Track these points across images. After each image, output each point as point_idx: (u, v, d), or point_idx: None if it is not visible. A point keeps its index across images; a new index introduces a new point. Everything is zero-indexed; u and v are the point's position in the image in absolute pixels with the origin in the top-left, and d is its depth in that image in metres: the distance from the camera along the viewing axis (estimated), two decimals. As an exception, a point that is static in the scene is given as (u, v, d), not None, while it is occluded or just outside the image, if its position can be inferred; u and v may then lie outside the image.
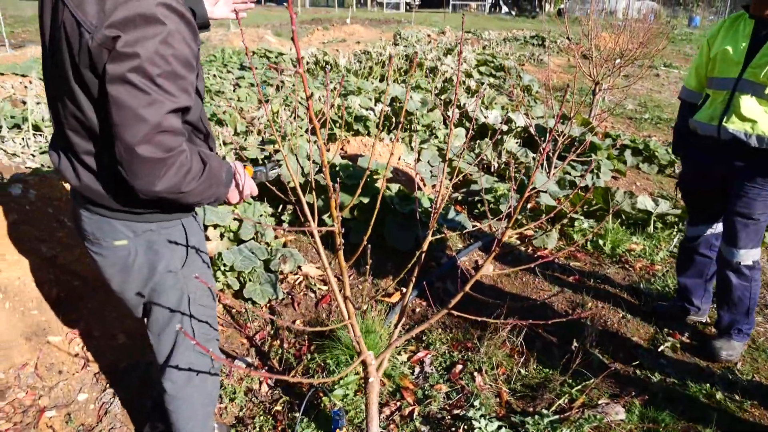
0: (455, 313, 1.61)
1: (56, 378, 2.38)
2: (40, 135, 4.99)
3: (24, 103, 5.92)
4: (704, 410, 2.42)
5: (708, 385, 2.57)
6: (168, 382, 1.73)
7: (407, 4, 38.25)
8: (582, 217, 4.13)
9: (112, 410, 2.29)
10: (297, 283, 3.24)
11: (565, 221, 4.12)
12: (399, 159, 4.65)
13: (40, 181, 2.92)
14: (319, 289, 3.20)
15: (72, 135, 1.35)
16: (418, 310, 3.10)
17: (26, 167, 4.47)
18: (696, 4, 39.81)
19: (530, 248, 3.87)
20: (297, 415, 2.25)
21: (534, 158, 5.05)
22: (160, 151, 1.23)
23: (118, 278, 1.56)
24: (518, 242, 3.96)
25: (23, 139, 4.85)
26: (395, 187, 3.71)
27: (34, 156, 4.59)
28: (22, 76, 6.85)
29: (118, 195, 1.40)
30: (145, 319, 1.71)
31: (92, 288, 2.67)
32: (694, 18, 31.81)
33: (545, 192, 4.24)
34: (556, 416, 2.25)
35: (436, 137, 5.27)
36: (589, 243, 3.91)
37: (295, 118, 5.46)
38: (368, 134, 5.18)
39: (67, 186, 2.93)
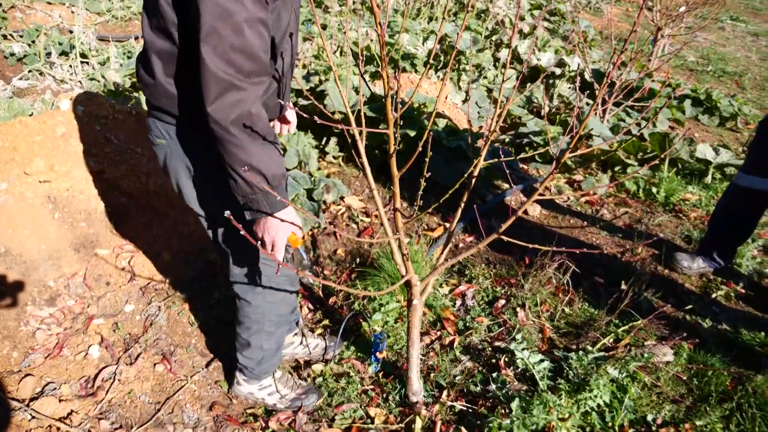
0: (504, 238, 1.53)
1: (104, 289, 2.44)
2: (87, 63, 5.03)
3: (71, 32, 5.96)
4: (757, 358, 2.32)
5: (763, 334, 2.45)
6: (233, 287, 1.80)
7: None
8: (635, 164, 3.95)
9: (157, 322, 2.34)
10: (339, 213, 3.21)
11: (617, 168, 3.95)
12: (446, 98, 4.51)
13: (88, 98, 2.92)
14: (361, 221, 3.17)
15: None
16: (461, 245, 3.04)
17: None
18: (770, -46, 36.92)
19: (579, 193, 3.73)
20: (336, 338, 2.25)
21: (587, 103, 4.83)
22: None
23: (171, 181, 1.61)
24: (567, 187, 3.82)
25: (71, 66, 4.90)
26: (443, 122, 3.60)
27: (81, 83, 4.64)
28: (70, 5, 6.87)
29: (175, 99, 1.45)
30: None
31: (138, 206, 2.70)
32: (766, -30, 29.56)
33: (598, 136, 4.06)
34: (601, 353, 2.19)
35: (485, 78, 5.09)
36: (641, 190, 3.74)
37: (341, 53, 5.33)
38: (415, 72, 5.03)
39: (113, 106, 2.93)
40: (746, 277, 2.92)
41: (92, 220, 2.50)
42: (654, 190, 3.71)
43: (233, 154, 1.32)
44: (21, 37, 5.31)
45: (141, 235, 2.65)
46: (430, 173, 1.44)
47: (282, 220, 1.44)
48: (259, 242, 1.46)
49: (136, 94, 3.64)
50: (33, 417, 1.86)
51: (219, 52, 1.22)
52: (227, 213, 1.12)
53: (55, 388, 1.99)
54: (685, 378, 2.19)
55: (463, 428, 1.93)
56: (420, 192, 1.55)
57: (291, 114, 1.92)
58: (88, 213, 2.48)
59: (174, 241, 2.71)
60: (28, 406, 1.89)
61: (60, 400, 1.95)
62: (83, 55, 5.00)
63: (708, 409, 2.05)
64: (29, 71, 4.58)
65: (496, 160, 1.62)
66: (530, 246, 1.58)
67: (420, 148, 1.42)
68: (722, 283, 2.85)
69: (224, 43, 1.21)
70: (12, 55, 4.80)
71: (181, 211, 2.79)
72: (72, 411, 1.92)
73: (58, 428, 1.85)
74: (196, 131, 1.44)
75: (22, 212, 2.27)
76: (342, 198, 3.26)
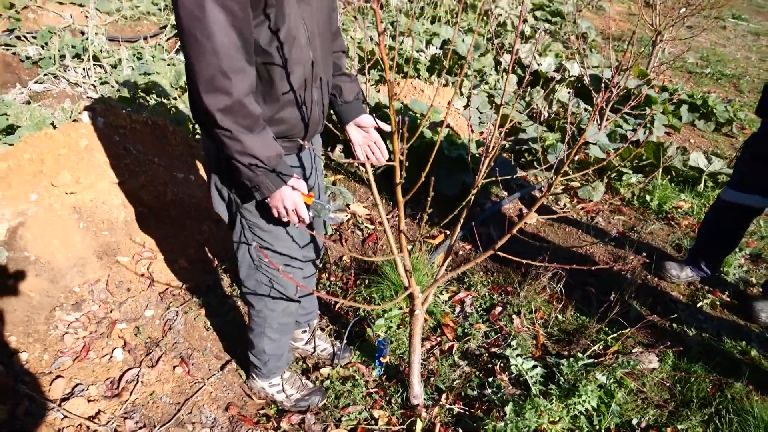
0: (500, 254, 1.69)
1: (125, 294, 2.59)
2: (99, 65, 5.15)
3: (82, 33, 6.07)
4: (737, 365, 2.48)
5: (744, 342, 2.61)
6: (241, 291, 1.95)
7: (461, -59, 36.59)
8: (630, 171, 4.09)
9: (175, 326, 2.50)
10: (345, 220, 3.36)
11: (613, 175, 4.09)
12: (448, 104, 4.63)
13: (107, 109, 3.06)
14: (366, 227, 3.32)
15: None
16: (461, 253, 3.20)
17: (88, 96, 4.67)
18: (775, -52, 36.69)
19: (575, 199, 3.88)
20: (343, 343, 2.41)
21: (586, 109, 4.96)
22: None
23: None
24: (564, 193, 3.96)
25: (84, 69, 5.02)
26: (443, 131, 3.74)
27: (95, 86, 4.78)
28: (80, 5, 6.98)
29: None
30: None
31: (156, 215, 2.85)
32: (771, -36, 29.41)
33: (595, 144, 4.19)
34: (590, 360, 2.35)
35: (487, 83, 5.21)
36: (635, 198, 3.89)
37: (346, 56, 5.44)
38: (418, 76, 5.15)
39: (130, 117, 3.08)
40: (732, 286, 3.08)
41: (114, 229, 2.65)
42: (648, 197, 3.86)
43: (227, 146, 1.43)
44: (34, 38, 5.43)
45: (159, 242, 2.81)
46: (432, 194, 1.57)
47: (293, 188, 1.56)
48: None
49: (150, 102, 3.78)
50: (65, 416, 2.02)
51: (195, 52, 1.31)
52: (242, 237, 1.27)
53: (83, 389, 2.15)
54: (669, 384, 2.35)
55: (460, 430, 2.09)
56: (425, 215, 1.69)
57: (302, 209, 1.63)
58: (110, 222, 2.63)
59: (190, 249, 2.86)
60: (60, 406, 2.05)
61: (88, 401, 2.11)
62: (95, 58, 5.13)
63: (689, 413, 2.21)
64: (44, 75, 4.71)
65: (496, 171, 1.76)
66: (524, 262, 1.73)
67: (421, 157, 1.55)
68: (709, 291, 3.00)
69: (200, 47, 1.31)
70: (28, 58, 4.93)
71: (197, 220, 2.94)
72: (99, 411, 2.09)
73: (88, 427, 2.01)
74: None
75: (51, 222, 2.42)
76: (347, 205, 3.41)
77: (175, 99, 3.81)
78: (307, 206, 1.63)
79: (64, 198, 2.49)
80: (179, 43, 1.36)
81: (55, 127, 3.17)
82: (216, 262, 2.89)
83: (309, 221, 1.64)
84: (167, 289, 2.67)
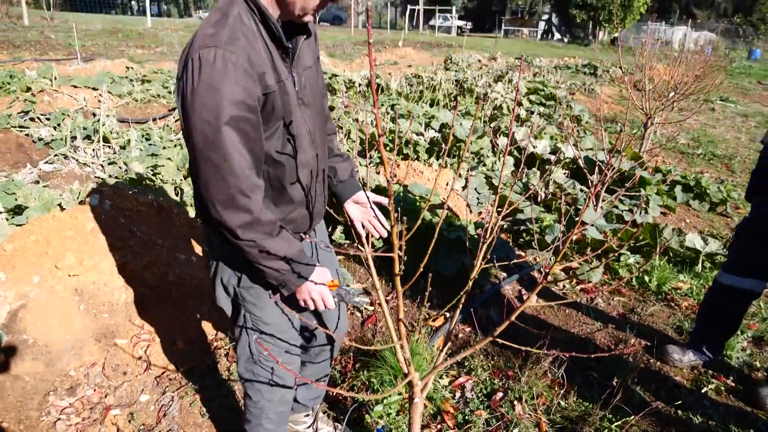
0: (499, 341, 1.70)
1: (121, 378, 2.57)
2: (109, 146, 5.33)
3: (94, 115, 6.32)
4: (747, 456, 2.41)
5: (752, 431, 2.55)
6: (240, 379, 1.91)
7: (459, 28, 38.60)
8: (628, 252, 4.13)
9: (170, 413, 2.45)
10: (368, 304, 3.36)
11: (611, 255, 4.13)
12: (446, 185, 4.75)
13: (114, 192, 3.15)
14: (365, 308, 3.32)
15: None
16: (461, 335, 3.18)
17: (96, 176, 4.79)
18: (756, 36, 38.64)
19: (574, 281, 3.89)
20: (340, 427, 2.36)
21: (581, 190, 5.07)
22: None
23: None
24: (563, 274, 3.99)
25: (94, 150, 5.19)
26: (442, 213, 3.81)
27: (103, 166, 4.91)
28: (93, 89, 7.30)
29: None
30: None
31: (157, 296, 2.87)
32: (754, 51, 30.83)
33: (592, 225, 4.26)
34: (595, 450, 2.29)
35: (485, 165, 5.36)
36: (634, 279, 3.91)
37: (347, 137, 5.63)
38: (417, 158, 5.31)
39: (136, 199, 3.16)
40: (736, 370, 3.04)
41: (114, 311, 2.66)
42: (647, 278, 3.88)
43: (251, 254, 1.47)
44: (48, 120, 5.65)
45: (158, 324, 2.81)
46: (432, 275, 1.60)
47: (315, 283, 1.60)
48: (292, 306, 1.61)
49: (158, 184, 3.88)
50: None
51: (211, 173, 1.36)
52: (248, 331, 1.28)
53: (73, 480, 2.08)
54: (676, 476, 2.28)
55: None
56: (423, 307, 1.71)
57: (328, 297, 1.68)
58: (111, 304, 2.64)
59: (189, 329, 2.86)
60: (47, 498, 1.98)
61: (77, 492, 2.04)
62: (105, 139, 5.31)
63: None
64: (55, 155, 4.86)
65: (494, 257, 1.79)
66: (523, 349, 1.72)
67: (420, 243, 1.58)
68: (713, 376, 2.96)
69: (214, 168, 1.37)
70: (40, 139, 5.11)
71: (198, 301, 2.95)
72: (88, 503, 2.02)
73: None
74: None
75: (52, 305, 2.44)
76: (367, 291, 3.43)
77: (180, 181, 3.92)
78: (333, 293, 1.69)
79: (66, 280, 2.51)
80: (189, 161, 1.40)
81: (63, 208, 3.24)
82: (215, 343, 2.87)
83: (334, 308, 1.69)
84: (164, 372, 2.64)
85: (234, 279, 1.71)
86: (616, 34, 31.53)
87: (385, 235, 1.94)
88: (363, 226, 2.02)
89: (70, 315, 2.49)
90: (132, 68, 8.93)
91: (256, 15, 1.43)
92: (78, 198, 3.40)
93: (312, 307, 1.66)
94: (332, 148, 1.97)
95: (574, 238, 4.27)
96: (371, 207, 1.99)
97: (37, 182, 4.30)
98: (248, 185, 1.39)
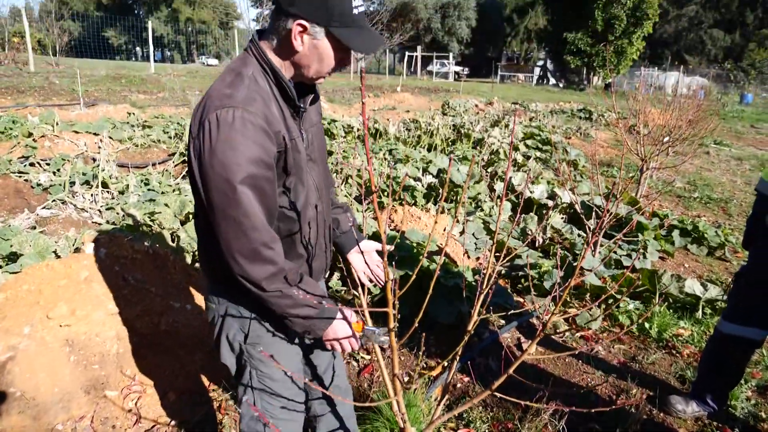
0: (497, 394, 1.66)
1: (110, 432, 2.49)
2: (107, 191, 5.35)
3: (94, 160, 6.38)
4: None
5: (761, 487, 2.47)
6: None
7: (456, 73, 39.44)
8: (628, 299, 4.09)
9: (159, 468, 2.37)
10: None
11: (610, 302, 4.09)
12: (444, 231, 4.75)
13: (110, 240, 3.14)
14: (361, 357, 3.26)
15: None
16: (459, 385, 3.12)
17: (93, 222, 4.79)
18: (747, 81, 39.51)
19: (574, 328, 3.84)
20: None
21: (579, 235, 5.07)
22: None
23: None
24: (562, 322, 3.94)
25: (92, 195, 5.21)
26: (440, 260, 3.79)
27: (101, 212, 4.92)
28: (94, 134, 7.39)
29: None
30: None
31: (149, 346, 2.82)
32: (746, 95, 31.49)
33: (590, 271, 4.24)
34: None
35: (482, 210, 5.37)
36: (635, 326, 3.86)
37: (345, 182, 5.66)
38: (415, 203, 5.33)
39: (132, 246, 3.14)
40: (742, 421, 2.96)
41: (105, 361, 2.60)
42: (647, 325, 3.83)
43: (278, 304, 1.48)
44: (48, 165, 5.69)
45: (150, 374, 2.75)
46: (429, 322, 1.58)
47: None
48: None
49: (155, 230, 3.88)
50: None
51: (233, 230, 1.39)
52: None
53: None
54: None
55: None
56: (418, 363, 1.68)
57: (353, 340, 1.72)
58: (102, 355, 2.60)
59: (181, 380, 2.79)
60: None
61: None
62: (104, 184, 5.33)
63: None
64: (53, 201, 4.87)
65: (491, 308, 1.77)
66: (523, 403, 1.68)
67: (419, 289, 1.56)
68: (718, 428, 2.89)
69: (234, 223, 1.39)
70: (38, 185, 5.13)
71: (191, 350, 2.90)
72: None
73: None
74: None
75: (41, 356, 2.39)
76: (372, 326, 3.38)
77: (177, 227, 3.92)
78: (359, 334, 1.71)
79: (57, 330, 2.48)
80: (212, 218, 1.42)
81: (58, 256, 3.23)
82: (208, 394, 2.80)
83: (360, 348, 1.77)
84: (154, 426, 2.57)
85: (240, 335, 1.69)
86: (610, 80, 32.23)
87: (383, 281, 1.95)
88: (365, 276, 2.04)
89: (59, 366, 2.43)
90: (133, 113, 9.07)
91: (269, 76, 1.48)
92: (74, 245, 3.39)
93: (339, 350, 1.68)
94: (333, 200, 2.00)
95: (573, 283, 4.25)
96: (376, 254, 2.04)
97: (34, 228, 4.30)
98: (270, 237, 1.43)
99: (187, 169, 1.50)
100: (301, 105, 1.57)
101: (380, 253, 2.05)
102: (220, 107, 1.35)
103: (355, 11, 1.46)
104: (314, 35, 1.42)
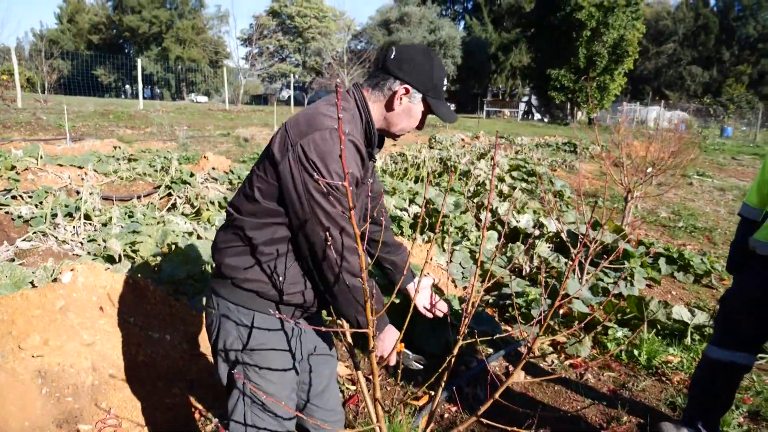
0: (484, 420, 1.61)
1: (82, 468, 2.39)
2: (90, 224, 5.28)
3: (78, 192, 6.32)
4: None
5: None
6: None
7: (442, 109, 39.94)
8: (616, 326, 4.06)
9: (133, 505, 2.26)
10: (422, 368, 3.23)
11: (598, 329, 4.05)
12: (431, 260, 4.72)
13: (88, 270, 3.07)
14: (347, 388, 3.18)
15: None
16: (446, 415, 3.04)
17: (73, 254, 4.71)
18: (726, 115, 40.50)
19: (563, 355, 3.79)
20: None
21: (566, 263, 5.06)
22: None
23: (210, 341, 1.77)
24: (550, 349, 3.89)
25: (74, 227, 5.14)
26: (426, 288, 3.75)
27: (82, 244, 4.84)
28: (79, 167, 7.34)
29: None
30: None
31: (126, 378, 2.73)
32: (725, 129, 32.22)
33: (578, 298, 4.21)
34: None
35: (468, 239, 5.36)
36: (623, 353, 3.82)
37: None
38: (401, 233, 5.31)
39: (111, 276, 3.08)
40: (734, 449, 2.91)
41: (78, 394, 2.51)
42: (636, 352, 3.79)
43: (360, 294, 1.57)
44: (30, 197, 5.63)
45: (126, 407, 2.65)
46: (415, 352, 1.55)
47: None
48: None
49: (137, 261, 3.81)
50: None
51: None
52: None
53: None
54: None
55: None
56: (399, 371, 1.63)
57: (393, 355, 1.76)
58: (75, 387, 2.50)
59: (158, 413, 2.70)
60: None
61: None
62: (87, 216, 5.27)
63: None
64: (33, 233, 4.80)
65: (476, 332, 1.74)
66: (510, 429, 1.63)
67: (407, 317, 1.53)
68: (710, 456, 2.83)
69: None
70: (19, 217, 5.06)
71: (168, 382, 2.82)
72: None
73: None
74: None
75: (12, 388, 2.30)
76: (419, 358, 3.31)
77: (159, 258, 3.85)
78: (398, 354, 1.78)
79: (29, 361, 2.39)
80: (313, 261, 1.59)
81: (34, 286, 3.15)
82: (187, 427, 2.71)
83: (393, 364, 1.79)
84: (129, 461, 2.47)
85: (238, 343, 1.67)
86: (594, 115, 32.87)
87: (446, 311, 2.17)
88: (426, 311, 2.19)
89: (30, 399, 2.34)
90: (119, 147, 9.04)
91: (362, 119, 1.65)
92: (52, 275, 3.32)
93: (379, 354, 1.76)
94: (390, 239, 2.16)
95: (561, 312, 4.21)
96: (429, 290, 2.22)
97: (13, 260, 4.22)
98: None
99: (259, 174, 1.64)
100: (376, 155, 1.76)
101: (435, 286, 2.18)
102: (329, 128, 1.49)
103: (444, 87, 1.69)
104: (412, 99, 1.66)
